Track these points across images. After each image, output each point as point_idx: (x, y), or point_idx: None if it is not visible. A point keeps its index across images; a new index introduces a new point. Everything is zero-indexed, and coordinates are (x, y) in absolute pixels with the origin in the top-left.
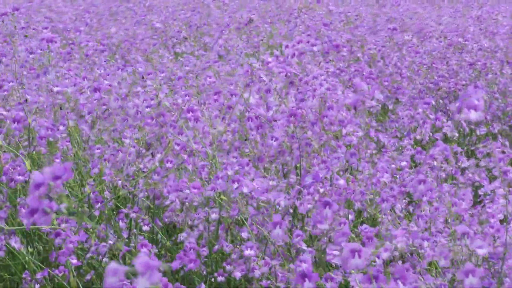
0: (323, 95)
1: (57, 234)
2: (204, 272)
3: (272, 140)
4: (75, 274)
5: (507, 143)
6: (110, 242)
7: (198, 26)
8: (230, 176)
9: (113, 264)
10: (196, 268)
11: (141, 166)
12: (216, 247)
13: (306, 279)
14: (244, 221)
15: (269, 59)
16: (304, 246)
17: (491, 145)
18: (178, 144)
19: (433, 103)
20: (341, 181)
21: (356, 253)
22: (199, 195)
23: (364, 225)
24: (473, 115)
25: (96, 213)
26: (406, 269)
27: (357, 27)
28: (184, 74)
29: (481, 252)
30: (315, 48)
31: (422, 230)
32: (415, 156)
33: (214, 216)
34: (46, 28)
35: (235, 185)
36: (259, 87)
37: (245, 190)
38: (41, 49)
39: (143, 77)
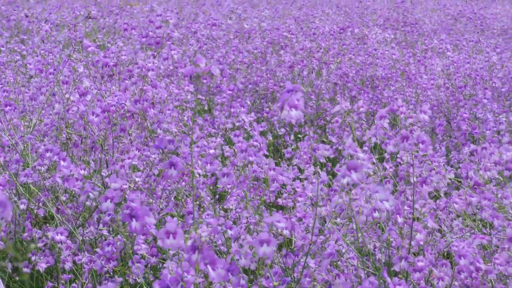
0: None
1: None
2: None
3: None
4: None
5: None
6: None
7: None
8: (42, 171)
9: None
10: None
11: None
12: (25, 234)
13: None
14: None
15: (89, 43)
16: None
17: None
18: None
19: (248, 103)
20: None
21: (171, 234)
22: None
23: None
24: (294, 114)
25: None
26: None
27: (177, 25)
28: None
29: (280, 225)
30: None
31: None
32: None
33: (22, 206)
34: None
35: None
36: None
37: (59, 180)
38: None
39: None
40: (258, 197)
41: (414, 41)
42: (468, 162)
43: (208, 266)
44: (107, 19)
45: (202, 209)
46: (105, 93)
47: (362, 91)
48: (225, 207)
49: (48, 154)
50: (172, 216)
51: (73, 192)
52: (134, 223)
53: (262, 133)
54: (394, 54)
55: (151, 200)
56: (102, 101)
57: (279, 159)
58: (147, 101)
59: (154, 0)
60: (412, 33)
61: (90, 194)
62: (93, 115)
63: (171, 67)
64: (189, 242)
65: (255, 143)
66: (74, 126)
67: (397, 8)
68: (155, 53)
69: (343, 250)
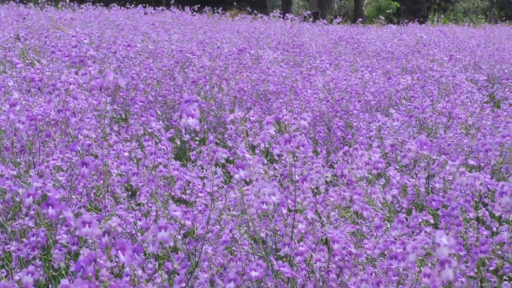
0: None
1: None
2: None
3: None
4: None
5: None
6: None
7: None
8: None
9: None
10: None
11: None
12: None
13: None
14: None
15: (18, 61)
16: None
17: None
18: None
19: (159, 113)
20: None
21: (87, 224)
22: None
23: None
24: (191, 121)
25: None
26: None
27: (99, 46)
28: None
29: (175, 214)
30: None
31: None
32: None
33: None
34: None
35: None
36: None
37: None
38: None
39: None
40: (167, 193)
41: (301, 61)
42: (342, 163)
43: (119, 252)
44: (36, 40)
45: (118, 203)
46: (33, 104)
47: (257, 103)
48: (138, 201)
49: None
50: (88, 210)
51: (4, 190)
52: (51, 210)
53: (171, 139)
54: (283, 72)
55: (72, 196)
56: (30, 110)
57: (186, 161)
58: (69, 110)
59: (78, 24)
60: (299, 54)
61: (19, 191)
62: (19, 122)
63: (92, 82)
64: (101, 231)
65: (163, 147)
66: (6, 133)
67: (287, 33)
68: (77, 70)
69: (238, 238)
